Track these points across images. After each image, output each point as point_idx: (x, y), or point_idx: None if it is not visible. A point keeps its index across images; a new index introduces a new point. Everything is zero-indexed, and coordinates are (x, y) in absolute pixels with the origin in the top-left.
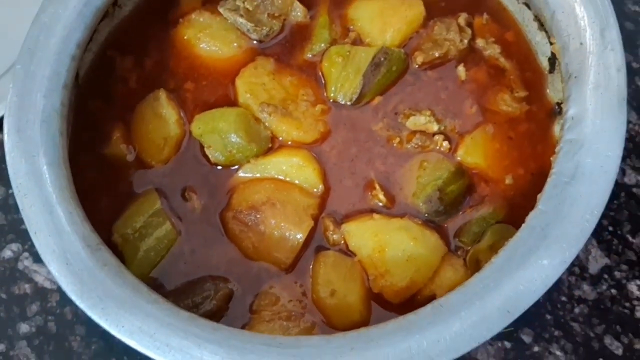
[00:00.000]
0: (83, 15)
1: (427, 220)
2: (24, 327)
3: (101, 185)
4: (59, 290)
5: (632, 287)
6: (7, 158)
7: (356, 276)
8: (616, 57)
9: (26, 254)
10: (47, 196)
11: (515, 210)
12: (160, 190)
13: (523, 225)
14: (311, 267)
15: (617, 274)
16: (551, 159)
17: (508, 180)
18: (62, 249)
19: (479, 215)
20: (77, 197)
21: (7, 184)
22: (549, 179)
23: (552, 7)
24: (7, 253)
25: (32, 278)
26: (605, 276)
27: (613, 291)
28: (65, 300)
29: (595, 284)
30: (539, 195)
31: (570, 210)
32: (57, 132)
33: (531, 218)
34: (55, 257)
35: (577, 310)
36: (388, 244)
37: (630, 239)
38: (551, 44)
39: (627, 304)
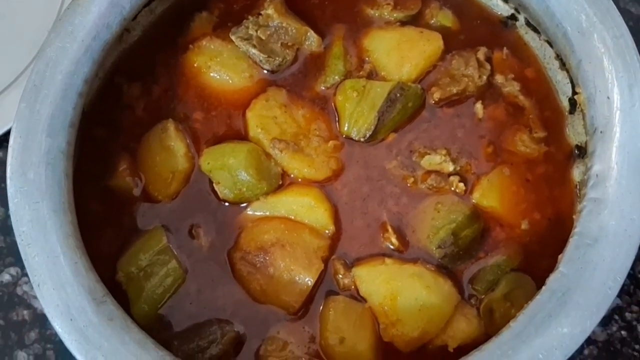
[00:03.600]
0: (91, 50)
1: (439, 266)
2: (21, 356)
3: (105, 217)
4: None
5: None
6: (10, 204)
7: (366, 324)
8: None
9: (25, 279)
10: (51, 246)
11: (531, 257)
12: (167, 226)
13: (543, 287)
14: (320, 312)
15: (627, 315)
16: (573, 217)
17: (524, 226)
18: (66, 303)
19: (493, 262)
20: (82, 245)
21: (7, 204)
22: (570, 239)
23: (578, 55)
24: (6, 277)
25: (32, 304)
26: (616, 317)
27: (623, 333)
28: None
29: (605, 325)
30: (560, 256)
31: (593, 275)
32: (63, 174)
33: (552, 281)
34: (59, 312)
35: (586, 352)
36: (400, 292)
37: None
38: (576, 93)
39: (637, 346)
